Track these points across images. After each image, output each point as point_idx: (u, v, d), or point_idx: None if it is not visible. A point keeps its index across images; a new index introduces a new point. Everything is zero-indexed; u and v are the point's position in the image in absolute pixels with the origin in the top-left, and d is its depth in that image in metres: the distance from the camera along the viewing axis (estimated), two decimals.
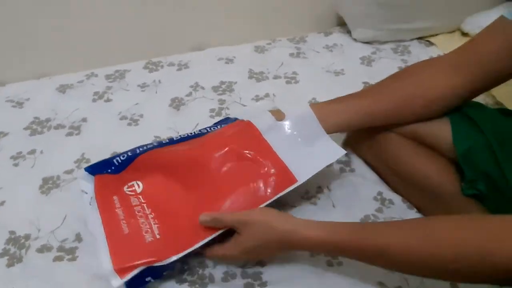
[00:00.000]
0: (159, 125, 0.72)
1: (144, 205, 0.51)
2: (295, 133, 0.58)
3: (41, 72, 0.83)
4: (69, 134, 0.70)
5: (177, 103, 0.77)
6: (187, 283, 0.50)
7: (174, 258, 0.46)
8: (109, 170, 0.55)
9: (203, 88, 0.81)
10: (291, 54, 0.92)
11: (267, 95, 0.80)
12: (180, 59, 0.89)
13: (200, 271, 0.51)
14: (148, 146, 0.57)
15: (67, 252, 0.53)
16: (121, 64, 0.87)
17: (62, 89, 0.80)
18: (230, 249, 0.48)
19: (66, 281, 0.50)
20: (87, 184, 0.54)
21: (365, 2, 0.91)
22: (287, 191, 0.52)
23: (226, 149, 0.54)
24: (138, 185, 0.53)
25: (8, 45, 0.79)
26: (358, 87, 0.82)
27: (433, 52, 0.94)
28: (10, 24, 0.77)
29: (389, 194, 0.62)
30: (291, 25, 0.98)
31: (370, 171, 0.66)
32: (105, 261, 0.45)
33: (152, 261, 0.45)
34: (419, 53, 0.93)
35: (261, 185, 0.52)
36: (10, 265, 0.51)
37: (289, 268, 0.51)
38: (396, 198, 0.62)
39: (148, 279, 0.47)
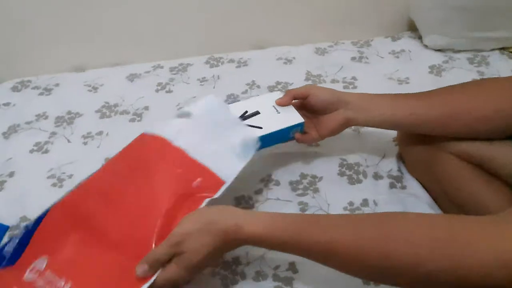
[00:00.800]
0: None
1: (55, 279, 0.43)
2: (208, 127, 0.53)
3: (116, 60, 0.91)
4: (132, 120, 0.76)
5: (232, 100, 0.79)
6: (219, 277, 0.51)
7: None
8: (1, 265, 0.46)
9: (258, 86, 0.82)
10: (353, 58, 0.89)
11: None
12: (240, 56, 0.91)
13: (233, 267, 0.53)
14: (47, 208, 0.48)
15: None
16: (185, 58, 0.91)
17: (131, 77, 0.86)
18: (175, 271, 0.42)
19: None
20: None
21: (442, 7, 0.84)
22: (217, 195, 0.47)
23: (137, 171, 0.48)
24: (41, 262, 0.44)
25: (90, 35, 0.87)
26: None
27: None
28: (92, 17, 0.85)
29: None
30: (356, 27, 0.95)
31: (423, 191, 0.61)
32: None
33: None
34: (500, 66, 0.84)
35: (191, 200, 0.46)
36: None
37: (322, 277, 0.50)
38: None
39: None
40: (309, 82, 0.83)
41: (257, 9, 0.90)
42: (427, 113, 0.53)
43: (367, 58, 0.89)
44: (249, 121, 0.57)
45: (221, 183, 0.48)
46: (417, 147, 0.59)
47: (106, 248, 0.44)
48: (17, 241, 0.47)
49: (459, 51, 0.88)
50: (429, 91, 0.56)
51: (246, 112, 0.58)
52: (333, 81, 0.83)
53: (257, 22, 0.92)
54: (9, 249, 0.47)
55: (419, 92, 0.56)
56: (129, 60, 0.91)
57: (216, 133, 0.53)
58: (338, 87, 0.81)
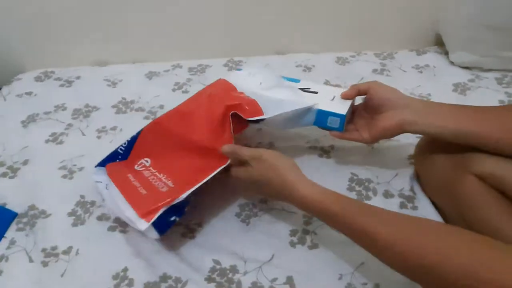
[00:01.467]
0: None
1: (156, 173, 0.58)
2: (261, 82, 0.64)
3: (138, 58, 0.92)
4: (146, 117, 0.77)
5: None
6: (214, 283, 0.51)
7: (189, 191, 0.52)
8: (117, 160, 0.62)
9: None
10: (374, 70, 0.86)
11: None
12: (260, 61, 0.90)
13: (230, 275, 0.52)
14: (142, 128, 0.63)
15: (121, 225, 0.58)
16: (205, 59, 0.92)
17: (150, 75, 0.87)
18: (242, 173, 0.53)
19: (115, 250, 0.55)
20: (100, 176, 0.61)
21: (472, 24, 0.80)
22: (255, 119, 0.57)
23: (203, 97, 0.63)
24: (146, 161, 0.60)
25: (115, 32, 0.89)
26: None
27: None
28: (118, 15, 0.87)
29: None
30: (380, 38, 0.92)
31: (436, 213, 0.59)
32: (130, 214, 0.52)
33: (171, 200, 0.51)
34: None
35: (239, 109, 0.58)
36: (74, 224, 0.59)
37: None
38: None
39: (173, 218, 0.52)
40: None
41: (280, 15, 0.90)
42: (486, 128, 0.50)
43: (389, 71, 0.86)
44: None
45: (261, 113, 0.59)
46: (436, 166, 0.56)
47: (187, 152, 0.58)
48: (125, 143, 0.63)
49: (488, 70, 0.84)
50: (484, 106, 0.54)
51: (309, 88, 0.63)
52: None
53: (279, 27, 0.91)
54: (121, 147, 0.63)
55: (475, 106, 0.54)
56: (151, 58, 0.92)
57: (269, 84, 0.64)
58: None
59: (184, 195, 0.52)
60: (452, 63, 0.86)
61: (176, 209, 0.52)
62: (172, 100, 0.80)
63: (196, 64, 0.91)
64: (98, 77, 0.87)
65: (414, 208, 0.60)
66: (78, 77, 0.87)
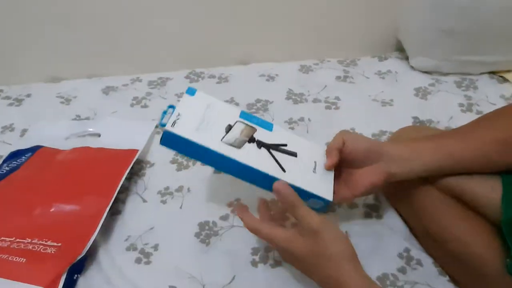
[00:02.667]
0: None
1: (16, 240, 0.51)
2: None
3: (94, 72, 0.88)
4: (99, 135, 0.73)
5: None
6: None
7: (89, 243, 0.49)
8: None
9: (237, 104, 0.79)
10: (337, 77, 0.86)
11: (301, 119, 0.76)
12: (222, 72, 0.88)
13: None
14: None
15: None
16: (166, 72, 0.89)
17: (107, 90, 0.84)
18: (282, 238, 0.43)
19: None
20: None
21: (430, 29, 0.81)
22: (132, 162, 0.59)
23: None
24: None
25: (68, 45, 0.85)
26: (406, 122, 0.74)
27: (506, 90, 0.81)
28: (73, 28, 0.83)
29: (418, 253, 0.54)
30: (343, 46, 0.92)
31: (401, 223, 0.57)
32: None
33: (71, 259, 0.48)
34: (488, 90, 0.81)
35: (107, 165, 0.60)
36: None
37: None
38: (426, 260, 0.53)
39: (75, 277, 0.49)
40: (290, 101, 0.80)
41: (242, 24, 0.88)
42: (472, 153, 0.48)
43: (352, 78, 0.86)
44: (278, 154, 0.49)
45: (135, 151, 0.63)
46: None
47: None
48: None
49: (447, 74, 0.85)
50: (460, 127, 0.52)
51: (286, 145, 0.51)
52: (315, 100, 0.80)
53: (241, 37, 0.90)
54: None
55: (452, 130, 0.53)
56: (108, 72, 0.88)
57: None
58: (320, 107, 0.78)
59: (84, 250, 0.49)
60: (412, 68, 0.87)
61: (76, 266, 0.49)
62: (130, 116, 0.77)
63: (156, 77, 0.87)
64: (51, 94, 0.82)
65: (379, 217, 0.59)
66: (28, 95, 0.82)
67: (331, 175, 0.50)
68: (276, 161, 0.48)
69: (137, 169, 0.66)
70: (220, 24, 0.88)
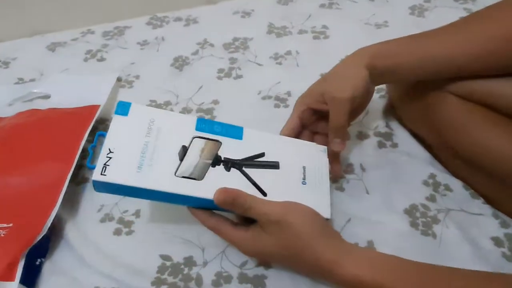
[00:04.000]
0: (157, 87, 0.60)
1: None
2: None
3: (35, 29, 0.73)
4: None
5: (180, 63, 0.65)
6: (166, 286, 0.38)
7: (49, 222, 0.40)
8: None
9: (212, 45, 0.68)
10: (322, 5, 0.75)
11: (288, 52, 0.65)
12: (189, 13, 0.76)
13: (186, 271, 0.39)
14: None
15: None
16: (122, 21, 0.75)
17: (53, 47, 0.70)
18: (244, 240, 0.36)
19: None
20: None
21: None
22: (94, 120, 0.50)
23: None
24: None
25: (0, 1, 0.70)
26: None
27: None
28: None
29: (445, 177, 0.47)
30: None
31: (420, 147, 0.50)
32: None
33: (29, 241, 0.38)
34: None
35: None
36: None
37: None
38: (455, 183, 0.46)
39: (38, 261, 0.40)
40: (272, 35, 0.69)
41: None
42: (464, 51, 0.40)
43: (338, 4, 0.75)
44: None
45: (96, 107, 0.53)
46: (412, 91, 0.47)
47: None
48: None
49: None
50: (450, 24, 0.42)
51: (263, 154, 0.38)
52: (300, 32, 0.69)
53: None
54: None
55: (438, 29, 0.42)
56: (52, 27, 0.74)
57: None
58: (307, 38, 0.68)
59: (45, 228, 0.39)
60: None
61: (38, 249, 0.39)
62: (85, 71, 0.64)
63: (112, 27, 0.74)
64: None
65: (394, 145, 0.51)
66: None
67: (326, 183, 0.39)
68: (253, 182, 0.36)
69: (102, 128, 0.55)
70: None
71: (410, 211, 0.43)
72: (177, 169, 0.34)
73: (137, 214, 0.45)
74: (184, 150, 0.35)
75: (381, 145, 0.51)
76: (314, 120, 0.44)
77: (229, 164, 0.36)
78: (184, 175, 0.34)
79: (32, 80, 0.63)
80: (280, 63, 0.64)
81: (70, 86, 0.59)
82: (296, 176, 0.38)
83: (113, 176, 0.33)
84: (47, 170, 0.45)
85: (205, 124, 0.38)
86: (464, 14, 0.70)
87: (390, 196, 0.45)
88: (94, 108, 0.53)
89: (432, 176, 0.47)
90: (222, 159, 0.36)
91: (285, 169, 0.38)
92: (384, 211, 0.43)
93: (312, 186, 0.38)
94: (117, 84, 0.61)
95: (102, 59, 0.67)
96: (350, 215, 0.43)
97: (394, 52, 0.42)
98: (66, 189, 0.43)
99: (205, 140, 0.37)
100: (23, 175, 0.44)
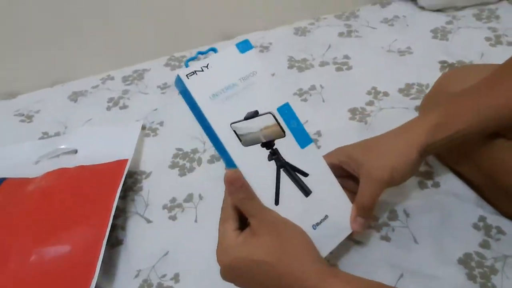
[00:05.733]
0: (182, 134, 0.59)
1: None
2: None
3: (56, 78, 0.74)
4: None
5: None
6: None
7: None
8: None
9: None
10: (340, 34, 0.74)
11: (312, 87, 0.64)
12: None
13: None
14: None
15: None
16: (141, 63, 0.75)
17: (74, 97, 0.70)
18: (231, 238, 0.33)
19: None
20: None
21: None
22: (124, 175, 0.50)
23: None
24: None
25: (17, 51, 0.70)
26: (433, 69, 0.63)
27: None
28: (13, 28, 0.68)
29: (496, 219, 0.44)
30: None
31: (464, 186, 0.47)
32: None
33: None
34: None
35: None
36: None
37: None
38: (508, 225, 0.43)
39: None
40: (294, 70, 0.68)
41: None
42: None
43: (357, 32, 0.74)
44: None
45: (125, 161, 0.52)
46: None
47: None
48: None
49: (462, 8, 0.74)
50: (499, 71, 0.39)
51: (306, 175, 0.37)
52: (322, 64, 0.68)
53: (220, 7, 0.76)
54: None
55: (491, 78, 0.39)
56: (73, 75, 0.74)
57: None
58: (330, 70, 0.67)
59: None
60: (422, 8, 0.76)
61: None
62: (110, 121, 0.64)
63: (131, 70, 0.74)
64: (7, 113, 0.68)
65: (436, 185, 0.48)
66: None
67: (338, 239, 0.38)
68: (297, 179, 0.36)
69: (131, 183, 0.54)
70: None
71: (465, 261, 0.41)
72: (236, 122, 0.35)
73: (176, 278, 0.43)
74: (253, 115, 0.35)
75: (422, 185, 0.48)
76: (344, 176, 0.41)
77: (274, 157, 0.36)
78: (235, 130, 0.34)
79: (57, 134, 0.63)
80: (305, 100, 0.62)
81: (96, 140, 0.58)
82: (313, 219, 0.37)
83: (192, 85, 0.34)
84: (82, 236, 0.44)
85: (287, 112, 0.37)
86: (489, 34, 0.68)
87: (441, 244, 0.42)
88: (123, 163, 0.52)
89: (482, 218, 0.44)
90: (273, 148, 0.36)
91: (310, 201, 0.37)
92: (438, 262, 0.41)
93: (322, 233, 0.36)
94: (142, 133, 0.60)
95: (124, 107, 0.66)
96: (401, 269, 0.41)
97: (457, 120, 0.38)
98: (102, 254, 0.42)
99: (276, 122, 0.36)
100: (58, 243, 0.43)
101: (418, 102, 0.58)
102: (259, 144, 0.35)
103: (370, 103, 0.60)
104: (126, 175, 0.52)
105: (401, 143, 0.39)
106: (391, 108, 0.58)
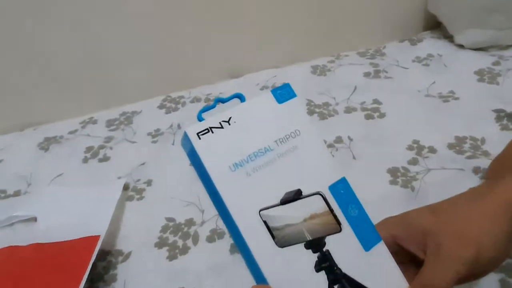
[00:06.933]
0: (175, 198, 0.46)
1: None
2: None
3: (27, 121, 0.62)
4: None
5: None
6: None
7: None
8: None
9: None
10: (366, 74, 0.63)
11: (339, 139, 0.52)
12: (208, 91, 0.64)
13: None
14: None
15: None
16: (130, 104, 0.64)
17: (46, 144, 0.57)
18: None
19: None
20: None
21: None
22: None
23: None
24: None
25: None
26: (488, 118, 0.51)
27: None
28: None
29: None
30: (359, 33, 0.70)
31: None
32: None
33: None
34: None
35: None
36: None
37: None
38: None
39: None
40: (314, 117, 0.56)
41: (222, 25, 0.64)
42: None
43: (386, 72, 0.63)
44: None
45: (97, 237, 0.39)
46: None
47: None
48: None
49: (508, 47, 0.64)
50: None
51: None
52: (348, 109, 0.56)
53: (226, 42, 0.66)
54: None
55: None
56: (48, 118, 0.62)
57: None
58: (359, 117, 0.55)
59: None
60: (461, 46, 0.66)
61: None
62: (83, 178, 0.51)
63: (118, 113, 0.62)
64: None
65: None
66: None
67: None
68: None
69: (102, 269, 0.40)
70: (196, 29, 0.64)
71: None
72: (267, 207, 0.23)
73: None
74: (294, 196, 0.24)
75: (505, 285, 0.35)
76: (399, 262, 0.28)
77: (328, 266, 0.23)
78: (266, 221, 0.23)
79: (17, 193, 0.50)
80: (332, 155, 0.50)
81: (63, 205, 0.45)
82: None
83: (205, 149, 0.23)
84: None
85: (344, 192, 0.25)
86: None
87: None
88: (93, 241, 0.39)
89: None
90: (324, 250, 0.24)
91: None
92: None
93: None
94: (123, 195, 0.47)
95: (105, 158, 0.54)
96: None
97: None
98: None
99: (328, 210, 0.24)
100: None
101: (475, 162, 0.45)
102: (302, 244, 0.23)
103: (413, 162, 0.47)
104: (97, 256, 0.38)
105: (487, 212, 0.26)
106: (442, 168, 0.46)
